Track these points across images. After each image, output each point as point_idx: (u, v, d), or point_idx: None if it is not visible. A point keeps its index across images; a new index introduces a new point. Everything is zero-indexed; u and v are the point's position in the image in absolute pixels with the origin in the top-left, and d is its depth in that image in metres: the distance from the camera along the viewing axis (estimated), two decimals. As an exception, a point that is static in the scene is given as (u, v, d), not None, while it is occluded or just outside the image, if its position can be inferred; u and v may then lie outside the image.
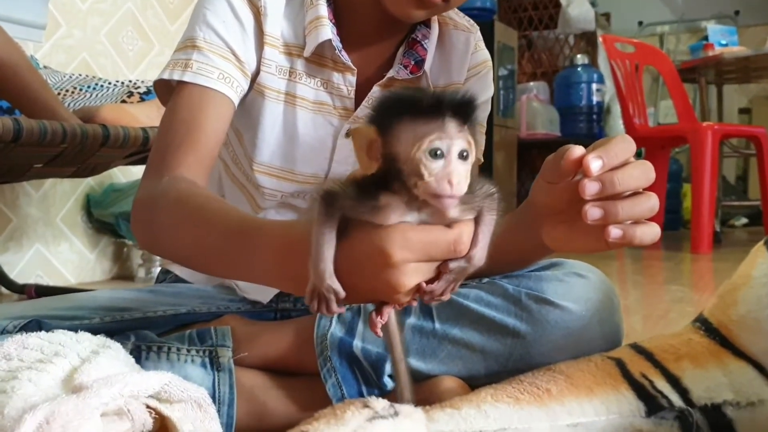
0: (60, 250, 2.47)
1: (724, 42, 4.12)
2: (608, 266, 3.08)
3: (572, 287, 0.90)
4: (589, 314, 0.90)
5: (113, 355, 0.72)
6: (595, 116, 5.22)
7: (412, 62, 1.04)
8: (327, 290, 0.61)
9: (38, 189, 2.38)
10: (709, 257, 3.36)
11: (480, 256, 0.61)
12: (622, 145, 0.66)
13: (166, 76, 0.94)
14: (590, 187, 0.64)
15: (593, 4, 5.35)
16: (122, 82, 2.05)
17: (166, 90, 0.97)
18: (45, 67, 2.19)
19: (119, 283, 2.57)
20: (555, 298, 0.89)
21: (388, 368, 0.91)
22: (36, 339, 0.69)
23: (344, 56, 1.00)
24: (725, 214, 5.01)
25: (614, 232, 0.65)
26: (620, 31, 5.62)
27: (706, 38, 4.29)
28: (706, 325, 0.89)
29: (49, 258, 2.42)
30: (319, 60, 1.01)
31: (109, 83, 2.06)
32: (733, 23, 5.53)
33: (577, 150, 0.66)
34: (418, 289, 0.61)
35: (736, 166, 5.80)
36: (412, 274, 0.60)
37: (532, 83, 5.27)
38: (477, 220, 0.61)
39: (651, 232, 0.66)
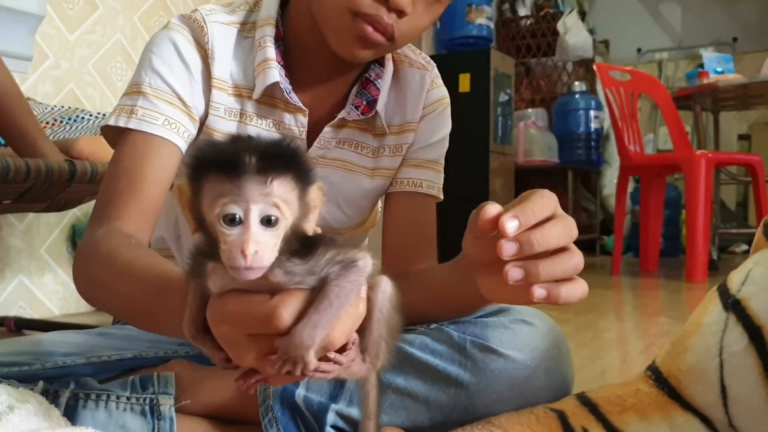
0: (44, 282, 2.45)
1: (719, 69, 4.10)
2: (603, 296, 3.06)
3: (517, 335, 0.88)
4: (535, 363, 0.87)
5: (31, 410, 0.70)
6: (593, 143, 5.21)
7: (364, 102, 1.03)
8: (202, 350, 0.58)
9: (21, 220, 2.37)
10: (703, 286, 3.32)
11: (305, 333, 0.52)
12: (541, 202, 0.64)
13: (111, 123, 0.93)
14: (507, 248, 0.61)
15: (591, 32, 5.36)
16: (103, 114, 2.05)
17: (116, 134, 0.95)
18: (28, 98, 2.20)
19: (104, 314, 2.55)
20: (498, 346, 0.87)
21: (330, 418, 0.89)
22: (-51, 394, 0.68)
23: (293, 98, 0.98)
24: (725, 240, 4.98)
25: (538, 291, 0.63)
26: (619, 59, 5.63)
27: (702, 65, 4.27)
28: (656, 374, 0.87)
29: (32, 289, 2.41)
30: (270, 101, 1.00)
31: (90, 115, 2.06)
32: (731, 50, 5.53)
33: (493, 208, 0.64)
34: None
35: (736, 192, 5.76)
36: (243, 348, 0.54)
37: (530, 110, 5.27)
38: (320, 291, 0.53)
39: (577, 289, 0.64)
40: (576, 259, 0.64)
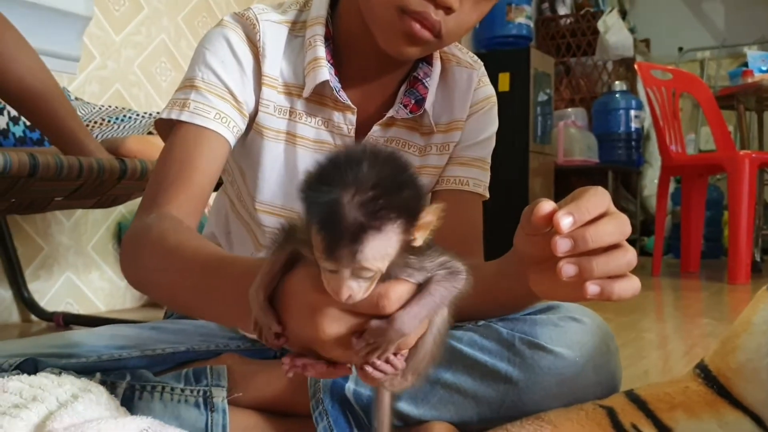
0: (91, 278, 2.50)
1: (764, 68, 4.04)
2: (644, 296, 3.03)
3: (566, 332, 0.89)
4: (583, 360, 0.87)
5: (93, 399, 0.72)
6: (633, 143, 5.17)
7: (413, 101, 1.04)
8: (259, 320, 0.60)
9: (69, 218, 2.42)
10: (746, 288, 3.28)
11: (406, 321, 0.56)
12: (594, 200, 0.64)
13: (164, 116, 0.96)
14: (561, 245, 0.62)
15: (632, 31, 5.31)
16: (150, 114, 2.09)
17: (168, 128, 0.98)
18: (77, 98, 2.24)
19: (150, 310, 2.60)
20: (548, 343, 0.87)
21: (380, 412, 0.90)
22: (17, 382, 0.70)
23: (343, 96, 1.00)
24: (768, 242, 4.90)
25: (591, 288, 0.63)
26: (660, 57, 5.56)
27: (746, 64, 4.21)
28: (705, 373, 0.87)
29: (79, 286, 2.46)
30: (319, 99, 1.02)
31: (138, 114, 2.10)
32: (776, 48, 5.43)
33: (547, 205, 0.64)
34: (345, 345, 0.58)
35: (780, 193, 5.66)
36: (333, 320, 0.57)
37: (570, 109, 5.23)
38: (422, 287, 0.56)
39: (630, 286, 0.64)
40: (629, 256, 0.64)
